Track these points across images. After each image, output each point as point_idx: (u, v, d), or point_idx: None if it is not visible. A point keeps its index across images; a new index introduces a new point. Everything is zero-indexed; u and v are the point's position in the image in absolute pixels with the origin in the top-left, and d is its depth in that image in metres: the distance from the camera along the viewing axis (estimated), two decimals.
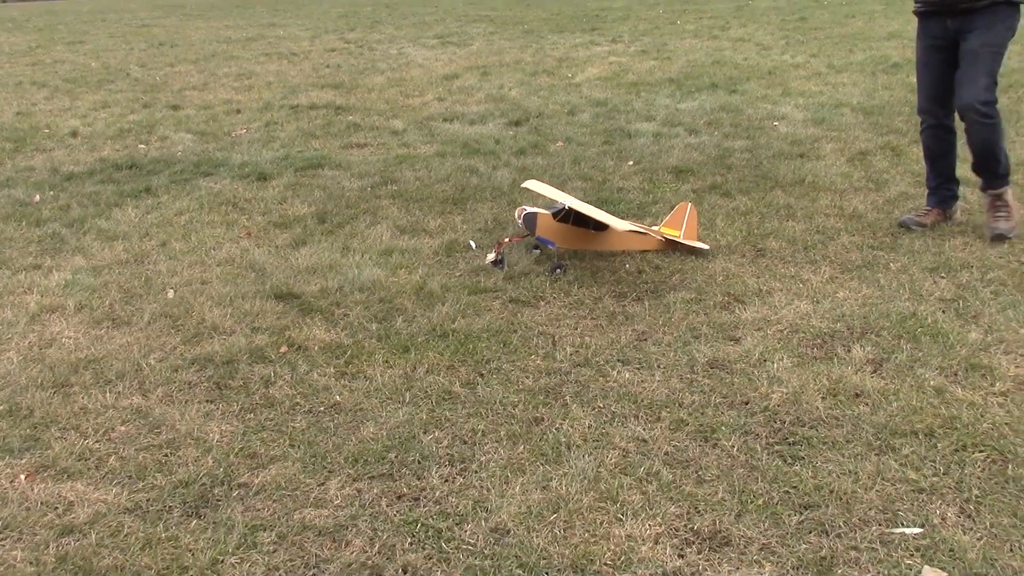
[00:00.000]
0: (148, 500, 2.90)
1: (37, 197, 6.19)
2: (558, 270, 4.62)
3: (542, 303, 4.31)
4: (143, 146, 7.84)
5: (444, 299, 4.32)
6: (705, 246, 4.90)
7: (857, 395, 3.36)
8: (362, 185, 6.30)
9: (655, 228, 5.03)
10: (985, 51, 4.69)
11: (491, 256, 4.78)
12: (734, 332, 3.93)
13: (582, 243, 4.85)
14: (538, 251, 4.89)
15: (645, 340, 3.89)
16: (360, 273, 4.61)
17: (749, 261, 4.77)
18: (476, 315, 4.17)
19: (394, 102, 9.54)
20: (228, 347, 3.89)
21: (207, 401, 3.51)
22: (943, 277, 4.41)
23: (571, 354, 3.77)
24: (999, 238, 4.82)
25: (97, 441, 3.24)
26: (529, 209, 4.73)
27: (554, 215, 4.74)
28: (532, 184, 5.16)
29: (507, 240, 4.81)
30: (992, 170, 4.93)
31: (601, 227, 4.73)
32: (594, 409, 3.34)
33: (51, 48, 17.22)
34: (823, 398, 3.34)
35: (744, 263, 4.74)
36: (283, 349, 3.87)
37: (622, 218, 5.25)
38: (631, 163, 6.74)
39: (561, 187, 6.01)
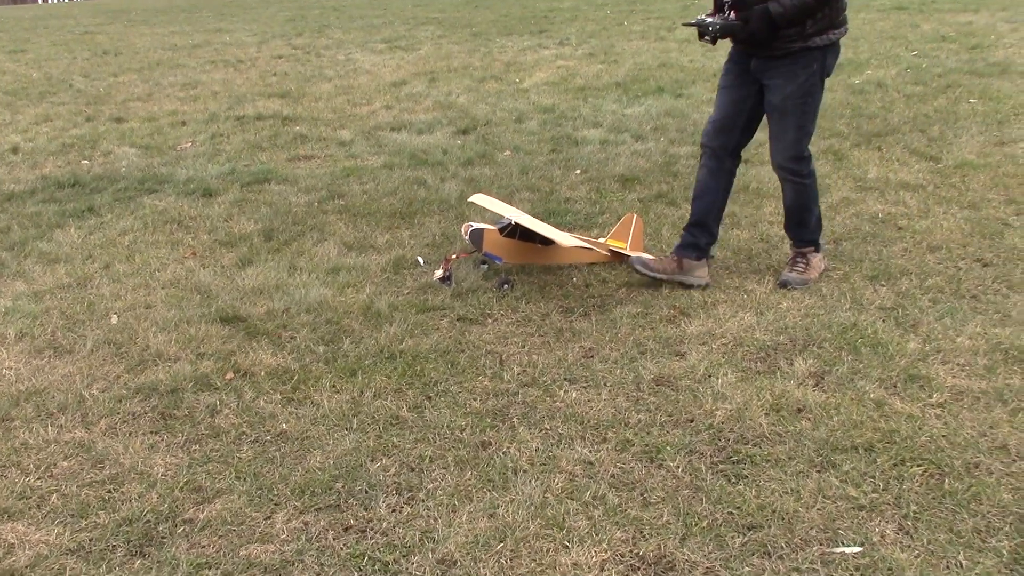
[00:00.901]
0: (91, 540, 2.86)
1: None
2: (505, 285, 4.64)
3: (490, 321, 4.31)
4: (86, 162, 7.73)
5: (392, 319, 4.32)
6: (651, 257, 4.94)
7: (799, 410, 3.41)
8: (309, 200, 6.27)
9: (601, 240, 5.06)
10: (790, 104, 4.28)
11: (439, 273, 4.78)
12: (680, 347, 3.97)
13: (529, 258, 4.87)
14: (486, 266, 4.89)
15: (592, 357, 3.92)
16: (307, 293, 4.59)
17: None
18: (424, 335, 4.16)
19: (341, 111, 9.49)
20: (173, 375, 3.85)
21: (152, 432, 3.47)
22: (883, 285, 4.48)
23: (519, 374, 3.79)
24: (783, 284, 4.51)
25: (39, 478, 3.20)
26: (476, 225, 4.73)
27: (500, 230, 4.75)
28: (479, 198, 5.16)
29: (454, 256, 4.82)
30: (798, 233, 4.65)
31: (548, 241, 4.75)
32: (541, 431, 3.36)
33: None
34: (766, 414, 3.38)
35: None
36: (229, 376, 3.84)
37: (569, 231, 5.28)
38: (578, 172, 6.77)
39: (509, 199, 6.03)
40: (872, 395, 3.47)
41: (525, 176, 6.64)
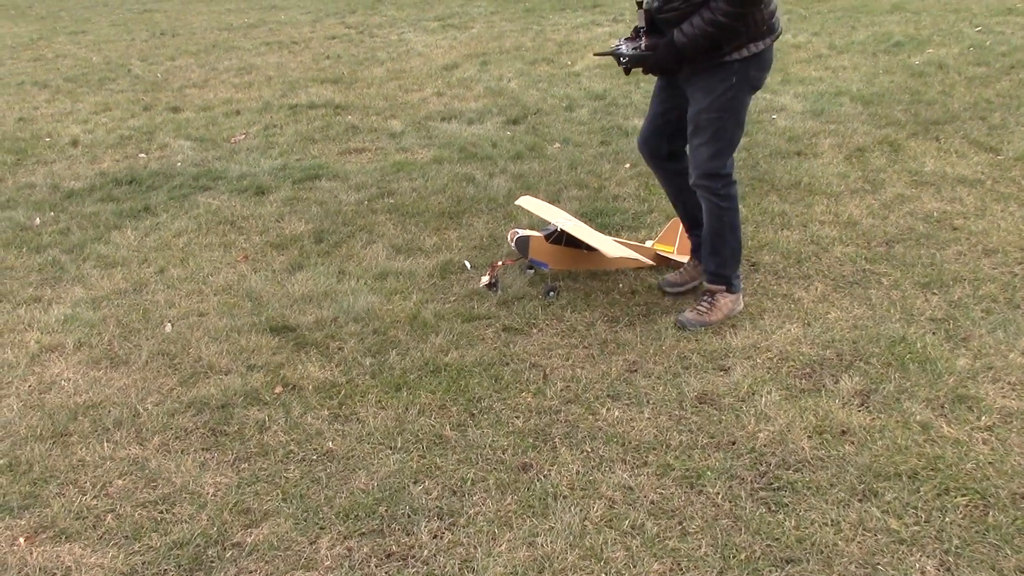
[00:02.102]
0: (144, 563, 2.96)
1: (37, 220, 6.24)
2: (551, 293, 4.65)
3: (535, 331, 4.34)
4: (143, 156, 7.87)
5: (438, 329, 4.36)
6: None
7: (843, 433, 3.39)
8: (359, 198, 6.33)
9: (648, 244, 5.05)
10: (703, 119, 4.02)
11: (485, 279, 4.81)
12: (724, 361, 3.96)
13: (575, 263, 4.87)
14: (532, 271, 4.91)
15: (635, 371, 3.93)
16: (355, 301, 4.65)
17: (742, 277, 4.77)
18: (469, 346, 4.20)
19: (393, 98, 9.52)
20: (224, 389, 3.94)
21: (203, 449, 3.56)
22: (935, 293, 4.42)
23: (562, 390, 3.81)
24: (679, 324, 4.27)
25: (95, 497, 3.30)
26: (521, 232, 4.75)
27: (546, 237, 4.76)
28: (526, 201, 5.17)
29: (500, 263, 4.84)
30: (708, 264, 4.35)
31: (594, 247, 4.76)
32: (582, 453, 3.38)
33: (53, 39, 17.20)
34: (809, 437, 3.37)
35: None
36: (278, 390, 3.92)
37: (616, 234, 5.27)
38: (628, 166, 6.74)
39: (556, 196, 6.03)
40: (918, 417, 3.44)
41: (574, 171, 6.62)
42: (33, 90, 11.49)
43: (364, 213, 6.04)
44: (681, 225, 4.86)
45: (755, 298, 4.50)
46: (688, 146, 4.25)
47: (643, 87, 9.17)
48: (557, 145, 7.35)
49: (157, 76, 11.93)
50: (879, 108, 7.79)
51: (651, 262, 4.75)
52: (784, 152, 6.73)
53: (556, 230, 4.74)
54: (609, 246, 4.61)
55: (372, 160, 7.33)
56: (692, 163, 4.20)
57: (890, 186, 5.96)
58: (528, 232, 4.76)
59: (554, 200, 5.98)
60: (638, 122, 7.81)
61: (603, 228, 5.39)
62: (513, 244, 4.75)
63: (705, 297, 4.38)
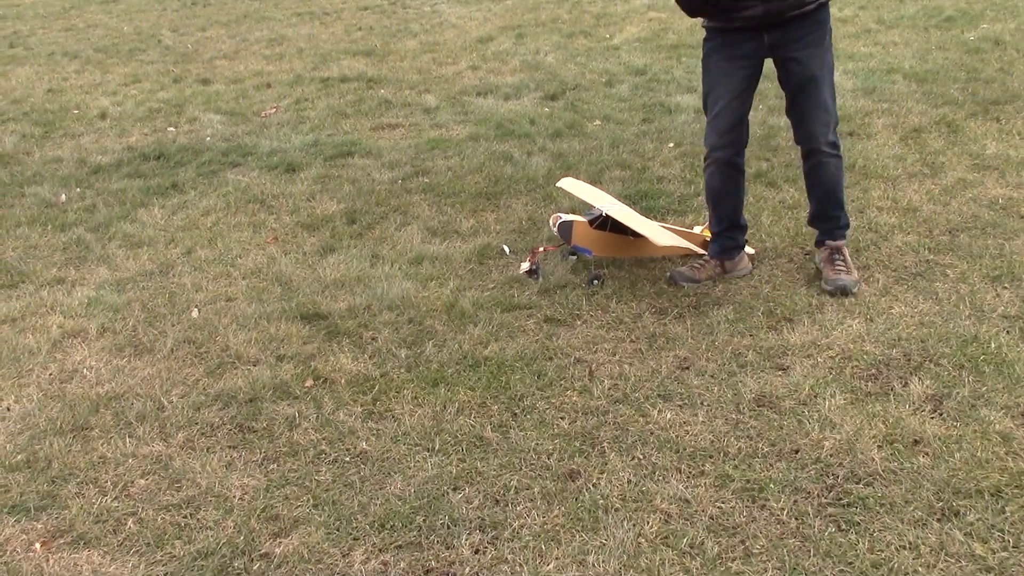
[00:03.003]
0: (166, 574, 2.77)
1: (63, 196, 6.06)
2: (595, 281, 4.41)
3: (579, 322, 4.11)
4: (172, 129, 7.68)
5: (476, 319, 4.14)
6: (750, 250, 4.66)
7: (916, 443, 3.14)
8: (393, 177, 6.10)
9: (697, 230, 4.79)
10: (826, 71, 4.00)
11: (525, 266, 4.58)
12: (782, 359, 3.71)
13: (621, 251, 4.63)
14: (574, 258, 4.67)
15: (687, 369, 3.69)
16: (389, 288, 4.43)
17: (797, 267, 4.52)
18: (509, 338, 3.98)
19: (427, 72, 9.27)
20: (252, 381, 3.74)
21: (229, 447, 3.37)
22: (1006, 288, 4.14)
23: (609, 388, 3.58)
24: (842, 291, 4.15)
25: (115, 499, 3.12)
26: (564, 216, 4.50)
27: (590, 222, 4.51)
28: (567, 183, 4.93)
29: (542, 249, 4.60)
30: (834, 220, 4.36)
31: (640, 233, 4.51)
32: (633, 459, 3.16)
33: (85, 9, 17.04)
34: (879, 447, 3.12)
35: (792, 269, 4.50)
36: (308, 383, 3.72)
37: (662, 218, 5.02)
38: (671, 145, 6.46)
39: (598, 177, 5.77)
40: (998, 427, 3.18)
41: (615, 151, 6.36)
42: (63, 60, 11.33)
43: (398, 193, 5.81)
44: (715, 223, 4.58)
45: (812, 291, 4.24)
46: (796, 113, 4.15)
47: (684, 61, 8.87)
48: (597, 122, 7.09)
49: (187, 47, 11.74)
50: (934, 86, 7.45)
51: (701, 250, 4.49)
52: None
53: (601, 215, 4.49)
54: (657, 233, 4.36)
55: (406, 136, 7.09)
56: (816, 126, 4.11)
57: (950, 170, 5.65)
58: (571, 217, 4.52)
59: (595, 181, 5.72)
60: (680, 99, 7.52)
61: (648, 212, 5.14)
62: (555, 229, 4.51)
63: (838, 257, 4.30)
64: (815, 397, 3.43)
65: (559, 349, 3.88)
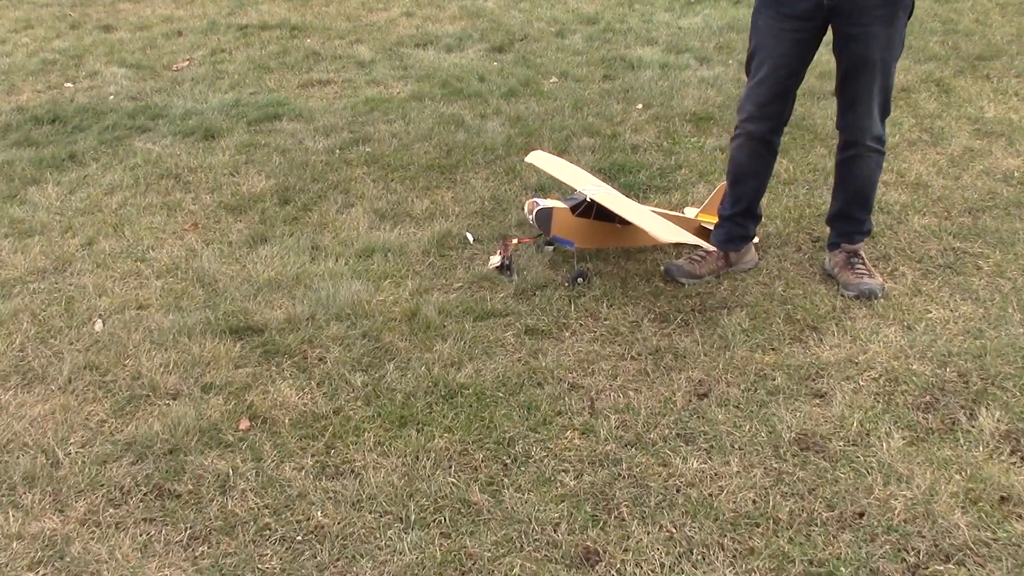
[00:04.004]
0: None
1: None
2: (580, 279, 3.75)
3: (566, 333, 3.44)
4: (69, 85, 6.73)
5: (443, 331, 3.45)
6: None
7: (1003, 500, 2.57)
8: (329, 145, 5.31)
9: (689, 213, 4.16)
10: (882, 59, 3.37)
11: (495, 260, 3.89)
12: (817, 382, 3.10)
13: (606, 241, 3.97)
14: (551, 248, 3.98)
15: (706, 396, 3.06)
16: (336, 290, 3.70)
17: (808, 258, 3.92)
18: (487, 356, 3.30)
19: (356, 19, 8.39)
20: (172, 423, 3.00)
21: (145, 521, 2.65)
22: None
23: (617, 426, 2.93)
24: (868, 295, 3.58)
25: None
26: (542, 202, 3.81)
27: (572, 209, 3.83)
28: (537, 159, 4.24)
29: (515, 241, 3.91)
30: (859, 222, 3.75)
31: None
32: (662, 531, 2.52)
33: None
34: (962, 507, 2.54)
35: (803, 261, 3.91)
36: (244, 425, 3.00)
37: (643, 197, 4.37)
38: (640, 107, 5.79)
39: (564, 146, 5.09)
40: None
41: (579, 114, 5.66)
42: None
43: (336, 165, 5.04)
44: (729, 204, 3.94)
45: (832, 289, 3.63)
46: (844, 96, 3.53)
47: (638, 8, 8.15)
48: (554, 80, 6.36)
49: None
50: (911, 39, 6.85)
51: (701, 243, 3.81)
52: (817, 91, 5.79)
53: (584, 200, 3.81)
54: (650, 221, 3.70)
55: (339, 95, 6.28)
56: (861, 117, 3.49)
57: (952, 137, 5.10)
58: (550, 203, 3.83)
59: (563, 152, 5.03)
60: (642, 52, 6.83)
61: (627, 190, 4.49)
62: (532, 218, 3.81)
63: (857, 260, 3.69)
64: (867, 436, 2.83)
65: (548, 371, 3.21)
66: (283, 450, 2.88)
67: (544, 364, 3.25)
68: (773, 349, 3.31)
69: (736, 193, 3.78)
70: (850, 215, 3.72)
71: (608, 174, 4.75)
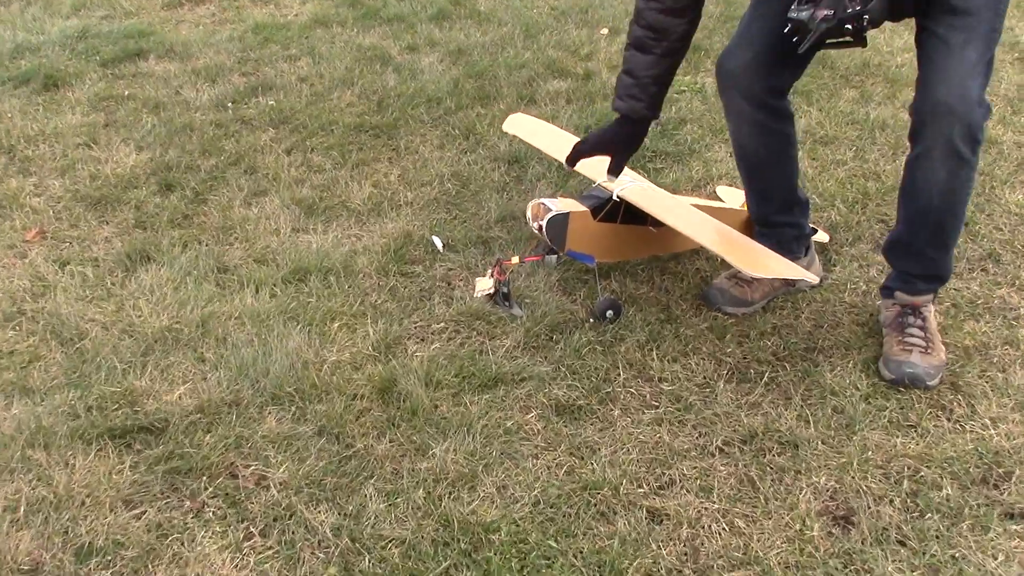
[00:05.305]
0: None
1: None
2: (610, 313, 2.67)
3: (615, 410, 2.39)
4: None
5: (433, 418, 2.35)
6: (822, 235, 3.04)
7: None
8: (218, 97, 4.01)
9: (733, 202, 3.13)
10: (980, 24, 2.27)
11: (485, 284, 2.79)
12: (1005, 492, 2.13)
13: (636, 251, 2.90)
14: (555, 258, 2.87)
15: (852, 526, 2.05)
16: (266, 351, 2.53)
17: (840, 259, 2.95)
18: (510, 461, 2.23)
19: None
20: None
21: None
22: None
23: None
24: (911, 382, 2.45)
25: None
26: (552, 206, 2.68)
27: (594, 212, 2.72)
28: (517, 126, 3.14)
29: (514, 259, 2.78)
30: (931, 259, 2.55)
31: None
32: None
33: None
34: None
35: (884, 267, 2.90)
36: None
37: (656, 175, 3.31)
38: (605, 32, 4.68)
39: (529, 89, 3.98)
40: None
41: (534, 43, 4.49)
42: None
43: (233, 128, 3.77)
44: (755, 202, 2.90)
45: (977, 335, 2.66)
46: (921, 57, 2.34)
47: None
48: None
49: None
50: None
51: (798, 270, 2.68)
52: None
53: (609, 199, 2.70)
54: (695, 222, 2.65)
55: (220, 20, 4.91)
56: (946, 89, 2.25)
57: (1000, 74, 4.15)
58: (563, 205, 2.71)
59: (529, 103, 3.88)
60: None
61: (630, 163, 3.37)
62: (541, 228, 2.68)
63: (914, 319, 2.55)
64: None
65: (610, 489, 2.17)
66: None
67: (599, 474, 2.19)
68: (913, 427, 2.33)
69: (757, 188, 2.81)
70: (914, 249, 2.56)
71: (591, 127, 3.63)
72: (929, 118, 2.31)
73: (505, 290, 2.74)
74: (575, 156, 2.70)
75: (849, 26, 2.22)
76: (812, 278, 2.60)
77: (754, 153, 2.71)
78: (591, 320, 2.69)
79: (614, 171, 2.67)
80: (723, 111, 2.71)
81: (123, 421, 2.31)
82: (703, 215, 2.74)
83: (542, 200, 2.71)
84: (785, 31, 2.28)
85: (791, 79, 2.63)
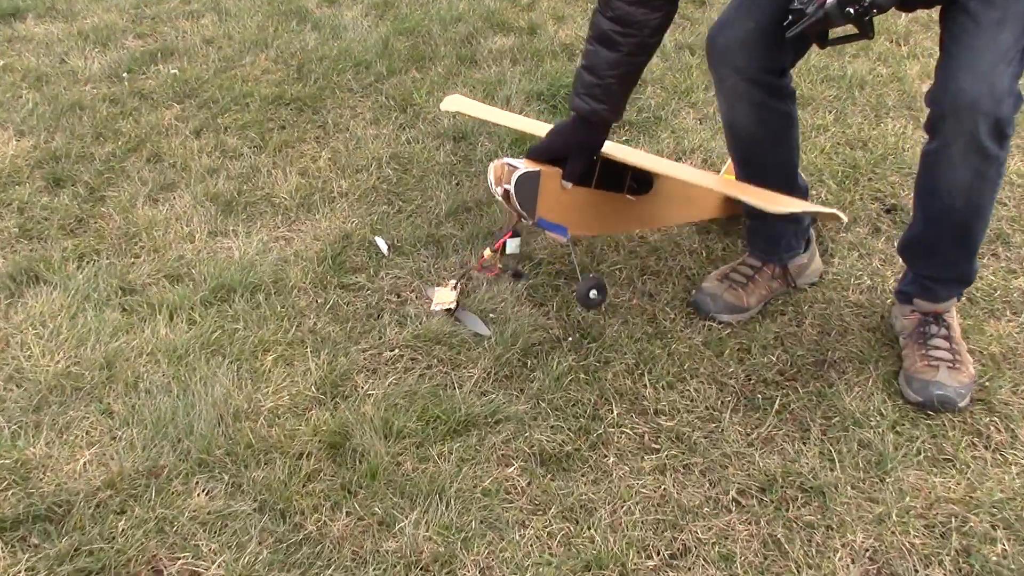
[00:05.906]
0: None
1: None
2: (594, 293, 2.34)
3: (609, 457, 2.06)
4: None
5: (397, 482, 1.96)
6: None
7: None
8: (110, 65, 3.49)
9: (719, 173, 2.79)
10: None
11: (444, 297, 2.39)
12: None
13: (613, 224, 2.53)
14: (520, 281, 2.48)
15: None
16: (188, 402, 2.09)
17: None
18: (493, 532, 1.91)
19: None
20: None
21: None
22: None
23: None
24: (941, 405, 2.14)
25: None
26: (520, 165, 2.26)
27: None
28: (456, 104, 2.74)
29: (478, 267, 2.39)
30: (952, 262, 2.24)
31: (643, 182, 2.39)
32: None
33: None
34: None
35: (893, 253, 2.60)
36: None
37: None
38: None
39: (471, 49, 3.56)
40: None
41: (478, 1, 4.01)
42: None
43: (129, 104, 3.27)
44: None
45: (978, 308, 2.36)
46: (944, 45, 2.00)
47: None
48: None
49: None
50: None
51: (820, 208, 2.34)
52: None
53: None
54: (683, 170, 2.37)
55: None
56: (979, 84, 1.90)
57: None
58: (531, 165, 2.28)
59: (471, 63, 3.46)
60: None
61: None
62: (507, 191, 2.25)
63: (936, 331, 2.24)
64: None
65: (615, 565, 1.79)
66: None
67: (600, 544, 1.85)
68: (950, 462, 2.03)
69: (753, 173, 2.41)
70: (935, 250, 2.23)
71: (551, 102, 3.23)
72: (950, 111, 1.95)
73: (456, 305, 2.33)
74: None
75: (851, 9, 1.85)
76: (840, 214, 2.20)
77: (749, 134, 2.34)
78: (569, 339, 2.31)
79: (570, 176, 2.27)
80: (714, 87, 2.32)
81: (14, 507, 1.87)
82: (690, 168, 2.39)
83: (506, 159, 2.28)
84: (785, 23, 1.92)
85: (795, 56, 2.25)
